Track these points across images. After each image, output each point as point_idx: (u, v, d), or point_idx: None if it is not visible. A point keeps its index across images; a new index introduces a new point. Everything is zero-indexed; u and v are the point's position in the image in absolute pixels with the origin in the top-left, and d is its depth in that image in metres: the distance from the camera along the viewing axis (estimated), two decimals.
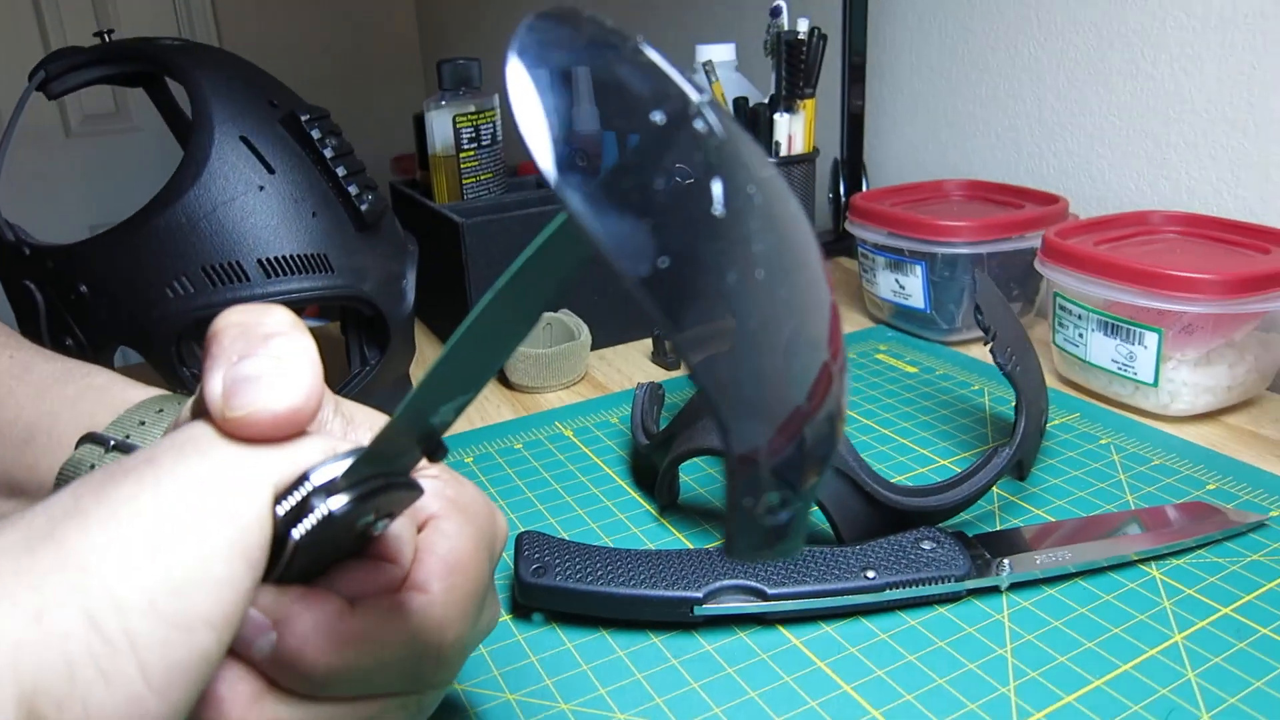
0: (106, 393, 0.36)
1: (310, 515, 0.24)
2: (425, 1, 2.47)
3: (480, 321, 0.21)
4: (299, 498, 0.24)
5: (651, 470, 0.56)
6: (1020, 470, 0.55)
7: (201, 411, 0.25)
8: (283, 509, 0.24)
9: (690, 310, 0.18)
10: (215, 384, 0.24)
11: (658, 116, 0.20)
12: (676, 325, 0.17)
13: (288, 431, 0.24)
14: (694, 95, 0.22)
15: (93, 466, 0.31)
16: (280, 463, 0.24)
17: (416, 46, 2.56)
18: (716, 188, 0.20)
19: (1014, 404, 0.51)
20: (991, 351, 0.51)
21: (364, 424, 0.30)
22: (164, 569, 0.21)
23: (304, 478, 0.24)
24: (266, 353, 0.25)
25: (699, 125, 0.21)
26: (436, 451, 0.25)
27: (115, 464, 0.23)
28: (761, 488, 0.20)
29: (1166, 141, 0.78)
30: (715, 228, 0.19)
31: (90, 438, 0.32)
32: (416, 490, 0.26)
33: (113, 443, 0.32)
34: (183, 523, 0.21)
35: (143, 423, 0.33)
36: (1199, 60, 0.75)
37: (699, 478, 0.57)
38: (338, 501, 0.24)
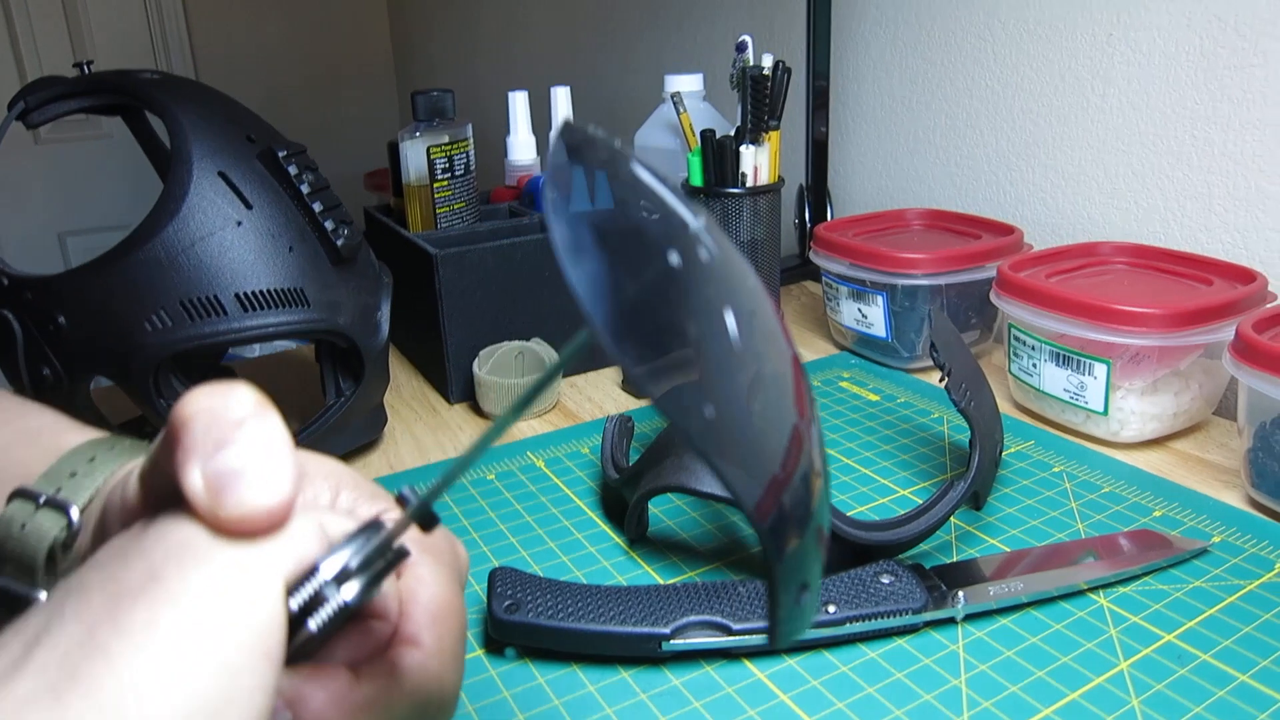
0: (40, 437, 0.35)
1: (326, 606, 0.24)
2: (399, 21, 2.48)
3: (496, 431, 0.23)
4: (311, 590, 0.24)
5: (621, 503, 0.58)
6: (976, 501, 0.57)
7: (166, 497, 0.24)
8: (296, 603, 0.24)
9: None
10: (194, 479, 0.23)
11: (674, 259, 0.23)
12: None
13: (281, 523, 0.24)
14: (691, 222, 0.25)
15: (23, 526, 0.30)
16: (284, 557, 0.24)
17: (390, 63, 2.56)
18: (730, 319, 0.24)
19: (969, 440, 0.54)
20: (946, 389, 0.53)
21: (319, 475, 0.30)
22: (195, 692, 0.21)
23: (314, 570, 0.24)
24: (243, 441, 0.24)
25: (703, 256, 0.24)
26: (431, 523, 0.26)
27: (112, 578, 0.23)
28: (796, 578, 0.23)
29: (1116, 172, 0.81)
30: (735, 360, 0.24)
31: (20, 493, 0.31)
32: (407, 555, 0.27)
33: (43, 499, 0.31)
34: (206, 641, 0.21)
35: (74, 474, 0.32)
36: (1145, 95, 0.78)
37: (667, 510, 0.59)
38: (351, 590, 0.24)
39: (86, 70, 0.66)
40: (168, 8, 2.16)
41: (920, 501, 0.57)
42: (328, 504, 0.29)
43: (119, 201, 2.16)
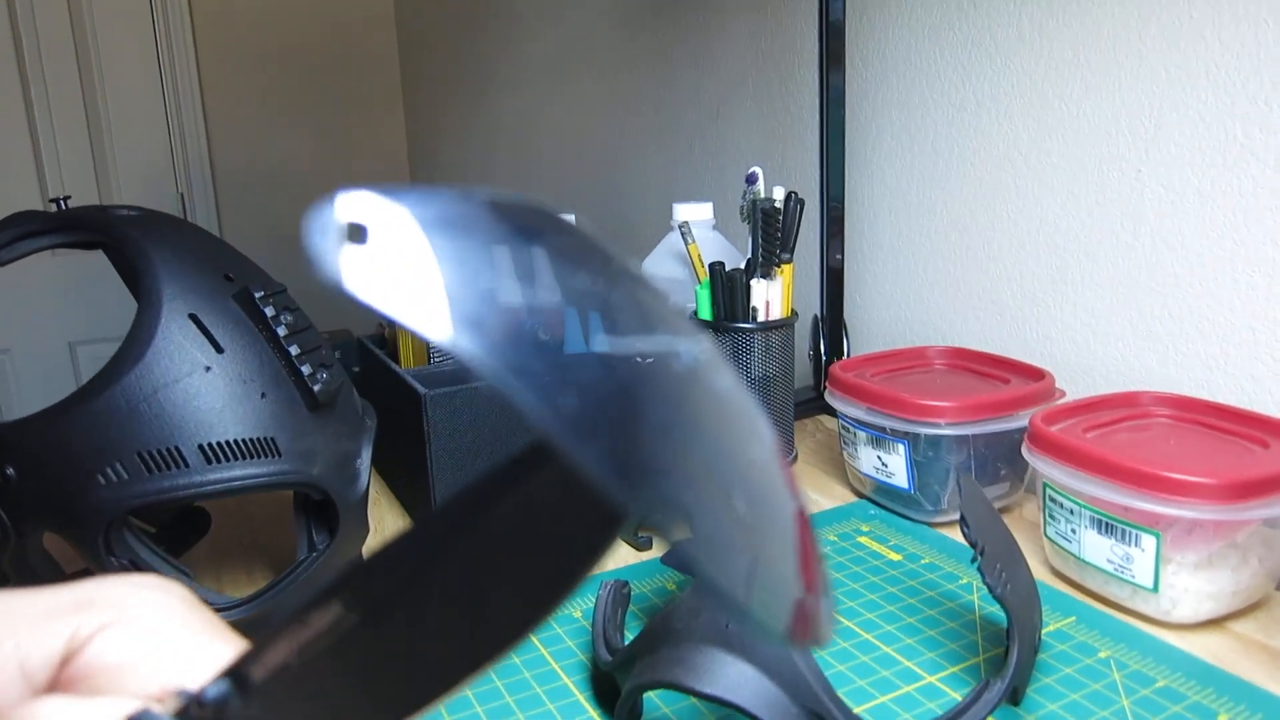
0: None
1: None
2: (415, 138, 2.52)
3: None
4: None
5: (613, 689, 0.51)
6: (1014, 697, 0.50)
7: None
8: None
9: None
10: None
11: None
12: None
13: None
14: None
15: None
16: None
17: (407, 180, 2.59)
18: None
19: (1006, 628, 0.47)
20: (980, 570, 0.47)
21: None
22: None
23: None
24: None
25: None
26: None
27: None
28: None
29: (1151, 314, 0.76)
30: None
31: None
32: None
33: None
34: None
35: None
36: (1179, 234, 0.74)
37: (665, 695, 0.53)
38: None
39: (63, 205, 0.63)
40: (189, 126, 2.20)
41: (954, 696, 0.50)
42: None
43: (130, 312, 2.16)
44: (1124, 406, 0.67)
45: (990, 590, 0.47)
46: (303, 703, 0.18)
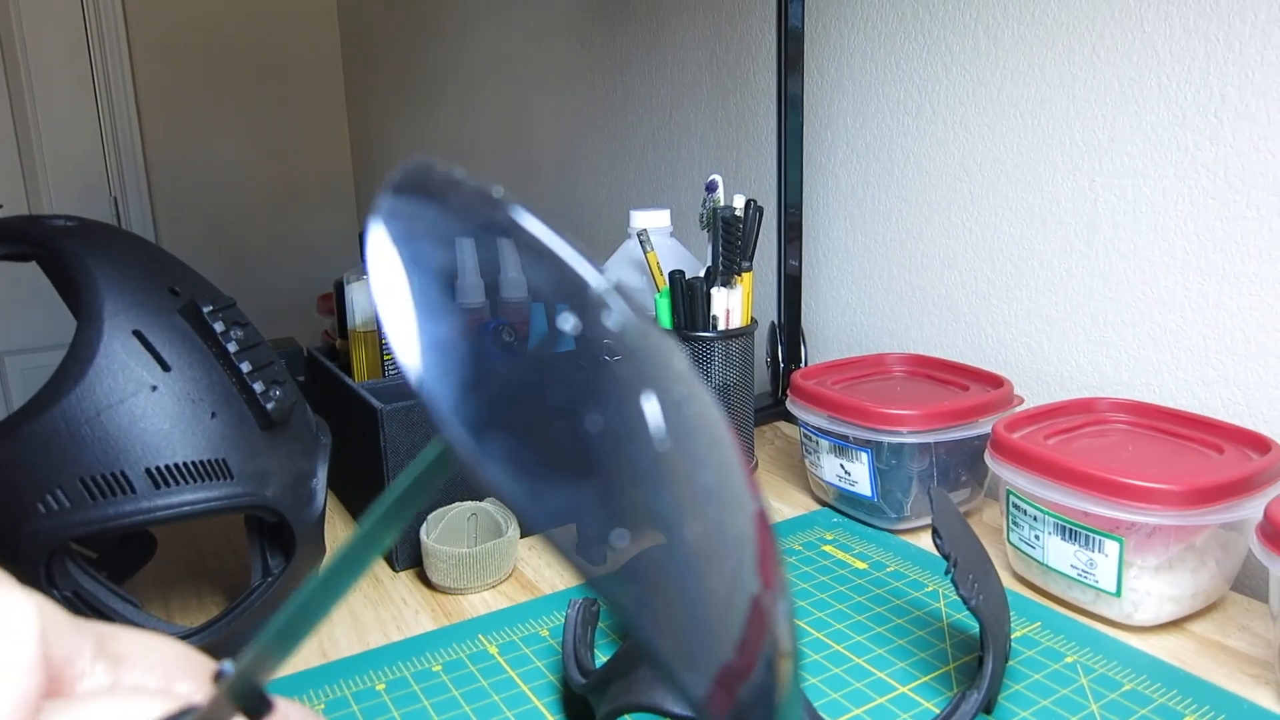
0: None
1: None
2: (359, 140, 2.47)
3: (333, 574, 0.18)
4: None
5: (587, 711, 0.50)
6: (988, 706, 0.50)
7: None
8: None
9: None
10: None
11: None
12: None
13: None
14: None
15: None
16: None
17: (350, 184, 2.54)
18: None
19: (979, 637, 0.47)
20: (954, 582, 0.47)
21: (139, 659, 0.24)
22: None
23: None
24: None
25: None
26: (260, 708, 0.20)
27: None
28: None
29: (1105, 320, 0.78)
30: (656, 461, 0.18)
31: None
32: None
33: None
34: None
35: None
36: (1131, 243, 0.75)
37: (639, 716, 0.52)
38: None
39: None
40: (122, 128, 2.13)
41: (928, 706, 0.50)
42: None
43: (63, 319, 2.08)
44: (1082, 413, 0.68)
45: (964, 602, 0.47)
46: None
